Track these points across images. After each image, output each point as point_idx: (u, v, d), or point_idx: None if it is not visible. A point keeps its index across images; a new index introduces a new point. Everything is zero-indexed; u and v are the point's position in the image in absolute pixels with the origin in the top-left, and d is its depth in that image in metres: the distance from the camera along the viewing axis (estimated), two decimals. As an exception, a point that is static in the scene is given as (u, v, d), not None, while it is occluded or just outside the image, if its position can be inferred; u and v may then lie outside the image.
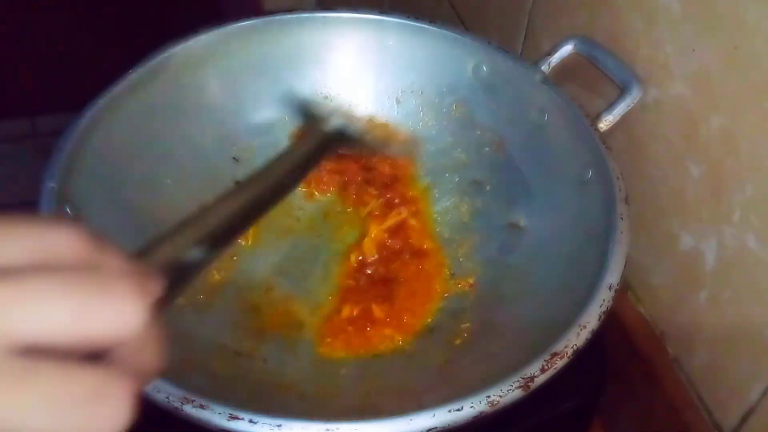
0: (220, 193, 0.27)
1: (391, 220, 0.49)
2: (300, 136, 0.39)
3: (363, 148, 0.48)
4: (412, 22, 0.52)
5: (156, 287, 0.19)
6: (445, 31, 0.52)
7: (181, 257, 0.22)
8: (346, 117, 0.43)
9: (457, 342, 0.44)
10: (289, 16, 0.52)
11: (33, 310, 0.16)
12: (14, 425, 0.16)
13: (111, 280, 0.17)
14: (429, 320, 0.46)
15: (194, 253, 0.22)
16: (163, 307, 0.20)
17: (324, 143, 0.39)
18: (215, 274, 0.47)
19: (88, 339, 0.17)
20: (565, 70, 0.49)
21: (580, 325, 0.34)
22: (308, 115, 0.43)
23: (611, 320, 0.42)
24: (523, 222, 0.48)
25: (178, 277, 0.21)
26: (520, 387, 0.32)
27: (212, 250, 0.23)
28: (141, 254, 0.21)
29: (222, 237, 0.24)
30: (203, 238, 0.23)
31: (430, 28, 0.52)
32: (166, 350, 0.20)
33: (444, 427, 0.30)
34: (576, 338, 0.34)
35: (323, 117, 0.42)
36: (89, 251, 0.18)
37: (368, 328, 0.45)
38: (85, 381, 0.17)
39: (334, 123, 0.41)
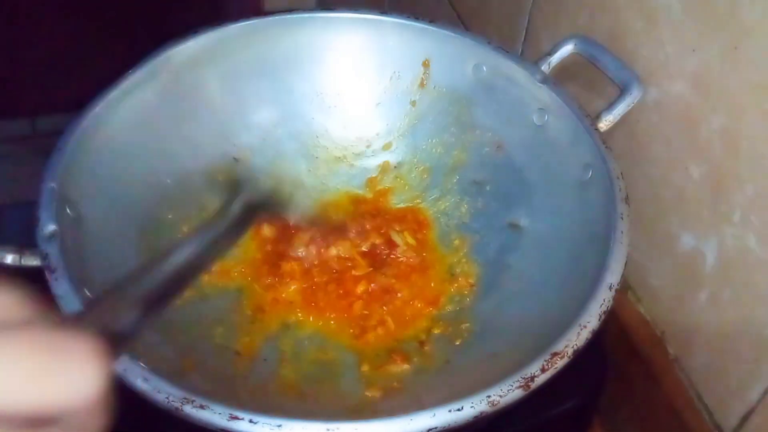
0: (146, 259, 0.27)
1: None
2: (226, 204, 0.40)
3: (293, 215, 0.48)
4: (412, 22, 0.52)
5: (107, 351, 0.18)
6: (445, 31, 0.52)
7: (115, 323, 0.21)
8: (274, 183, 0.43)
9: (457, 342, 0.44)
10: (289, 16, 0.52)
11: None
12: None
13: (67, 342, 0.16)
14: (429, 320, 0.46)
15: (128, 319, 0.22)
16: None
17: (252, 209, 0.38)
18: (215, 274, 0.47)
19: (41, 407, 0.15)
20: (565, 70, 0.49)
21: (580, 325, 0.34)
22: (232, 184, 0.42)
23: (611, 320, 0.42)
24: (523, 222, 0.48)
25: (115, 343, 0.21)
26: (520, 387, 0.32)
27: (144, 316, 0.23)
28: (79, 319, 0.20)
29: (154, 302, 0.24)
30: (137, 303, 0.23)
31: (430, 28, 0.52)
32: (114, 408, 0.18)
33: (444, 427, 0.30)
34: (576, 338, 0.34)
35: (249, 183, 0.41)
36: (35, 312, 0.17)
37: (368, 329, 0.45)
38: None
39: (261, 189, 0.40)
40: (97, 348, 0.16)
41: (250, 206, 0.37)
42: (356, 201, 0.54)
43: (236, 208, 0.36)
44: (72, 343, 0.16)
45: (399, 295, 0.47)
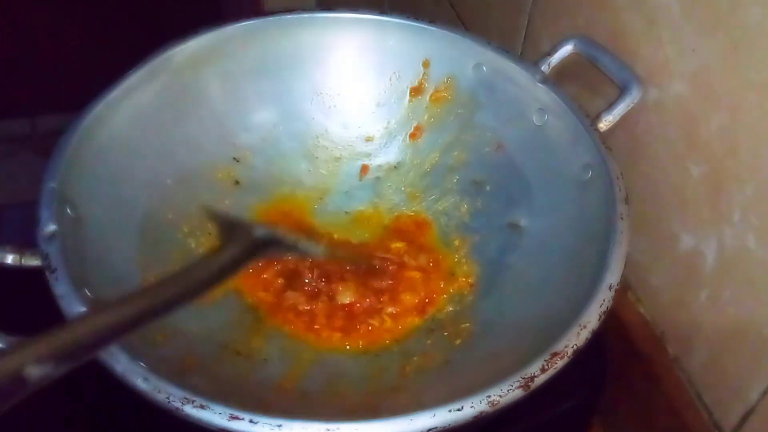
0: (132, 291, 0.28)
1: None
2: (223, 240, 0.37)
3: (293, 253, 0.45)
4: (412, 22, 0.52)
5: None
6: (445, 31, 0.52)
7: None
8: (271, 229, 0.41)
9: (457, 342, 0.44)
10: (289, 16, 0.52)
11: None
12: None
13: None
14: (429, 320, 0.46)
15: (34, 371, 0.21)
16: None
17: (251, 248, 0.36)
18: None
19: None
20: (565, 70, 0.49)
21: (580, 325, 0.34)
22: (229, 223, 0.39)
23: (611, 320, 0.42)
24: (523, 222, 0.48)
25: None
26: (520, 387, 0.32)
27: (59, 365, 0.22)
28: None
29: (74, 352, 0.24)
30: (52, 354, 0.22)
31: (430, 28, 0.52)
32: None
33: (444, 427, 0.30)
34: (576, 338, 0.34)
35: (248, 225, 0.39)
36: None
37: (369, 329, 0.45)
38: None
39: (260, 231, 0.38)
40: None
41: (253, 245, 0.36)
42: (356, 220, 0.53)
43: (237, 246, 0.35)
44: None
45: (401, 297, 0.47)
